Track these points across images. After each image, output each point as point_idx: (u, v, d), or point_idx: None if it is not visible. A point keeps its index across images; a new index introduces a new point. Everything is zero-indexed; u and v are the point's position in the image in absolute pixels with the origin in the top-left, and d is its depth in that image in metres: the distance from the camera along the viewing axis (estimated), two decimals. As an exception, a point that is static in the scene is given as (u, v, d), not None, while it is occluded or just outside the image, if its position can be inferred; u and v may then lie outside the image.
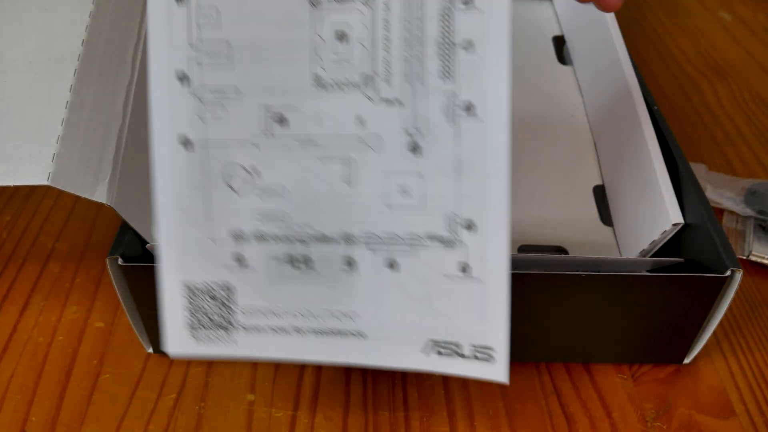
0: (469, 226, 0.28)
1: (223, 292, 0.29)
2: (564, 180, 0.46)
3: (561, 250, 0.41)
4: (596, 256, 0.37)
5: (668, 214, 0.36)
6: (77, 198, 0.34)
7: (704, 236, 0.35)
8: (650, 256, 0.38)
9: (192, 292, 0.29)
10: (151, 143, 0.28)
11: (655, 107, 0.43)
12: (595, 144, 0.48)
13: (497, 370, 0.28)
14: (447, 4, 0.27)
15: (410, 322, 0.29)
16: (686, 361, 0.39)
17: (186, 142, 0.28)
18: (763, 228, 0.47)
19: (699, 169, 0.51)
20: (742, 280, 0.33)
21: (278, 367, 0.38)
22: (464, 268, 0.28)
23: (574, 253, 0.41)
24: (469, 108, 0.27)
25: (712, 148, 0.55)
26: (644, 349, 0.38)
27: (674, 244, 0.37)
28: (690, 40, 0.69)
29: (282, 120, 0.28)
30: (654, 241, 0.37)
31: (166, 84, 0.28)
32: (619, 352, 0.39)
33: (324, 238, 0.29)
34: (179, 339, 0.30)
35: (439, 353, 0.29)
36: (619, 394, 0.38)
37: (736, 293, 0.34)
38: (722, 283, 0.34)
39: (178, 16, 0.27)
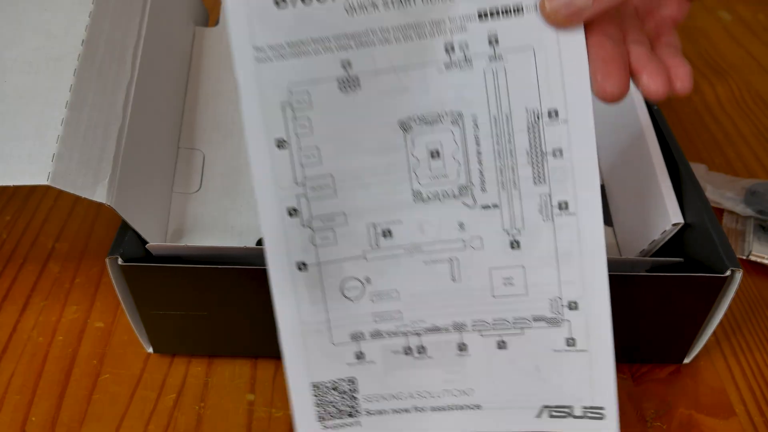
0: (572, 305, 0.30)
1: (347, 384, 0.31)
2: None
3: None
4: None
5: (668, 214, 0.36)
6: (77, 198, 0.34)
7: (704, 236, 0.35)
8: (650, 256, 0.38)
9: (319, 389, 0.31)
10: (268, 270, 0.30)
11: (655, 107, 0.43)
12: (595, 144, 0.48)
13: (608, 426, 0.31)
14: (533, 119, 0.29)
15: (523, 392, 0.31)
16: (686, 361, 0.39)
17: (302, 266, 0.30)
18: (763, 228, 0.47)
19: (699, 169, 0.51)
20: (742, 280, 0.33)
21: (278, 367, 0.38)
22: (570, 342, 0.30)
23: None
24: (563, 206, 0.29)
25: (712, 148, 0.55)
26: (644, 349, 0.38)
27: (674, 244, 0.37)
28: (690, 40, 0.69)
29: (387, 233, 0.30)
30: (654, 241, 0.37)
31: (279, 219, 0.30)
32: (619, 352, 0.38)
33: (436, 329, 0.31)
34: (312, 431, 0.32)
35: (552, 416, 0.31)
36: (619, 394, 0.37)
37: (736, 293, 0.34)
38: (722, 283, 0.34)
39: (281, 159, 0.29)
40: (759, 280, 0.44)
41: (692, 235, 0.36)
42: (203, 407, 0.37)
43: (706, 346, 0.38)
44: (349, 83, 0.29)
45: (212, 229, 0.41)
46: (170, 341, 0.38)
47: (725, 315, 0.35)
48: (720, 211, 0.49)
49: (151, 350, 0.39)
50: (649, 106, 0.43)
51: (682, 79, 0.29)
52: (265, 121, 0.29)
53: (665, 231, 0.36)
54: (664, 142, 0.40)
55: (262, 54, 0.28)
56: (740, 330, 0.41)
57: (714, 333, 0.37)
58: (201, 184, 0.42)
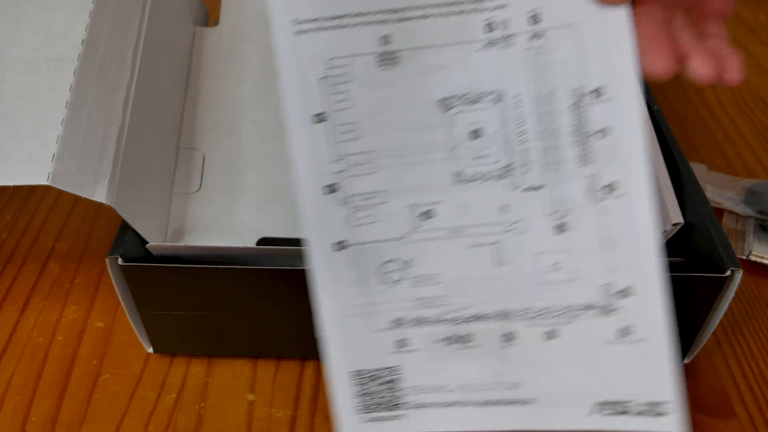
0: (624, 292, 0.29)
1: (390, 375, 0.30)
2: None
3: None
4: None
5: (668, 214, 0.36)
6: (77, 198, 0.34)
7: (704, 236, 0.35)
8: (650, 256, 0.38)
9: (361, 379, 0.30)
10: (308, 251, 0.29)
11: (655, 107, 0.43)
12: (595, 144, 0.48)
13: (670, 423, 0.29)
14: (577, 98, 0.28)
15: (575, 387, 0.30)
16: (686, 361, 0.39)
17: (341, 247, 0.29)
18: (763, 228, 0.47)
19: (699, 169, 0.51)
20: (742, 280, 0.33)
21: (278, 367, 0.38)
22: (623, 332, 0.29)
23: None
24: (611, 188, 0.28)
25: (712, 148, 0.55)
26: (644, 349, 0.38)
27: (674, 244, 0.37)
28: (690, 40, 0.69)
29: (428, 215, 0.29)
30: (654, 241, 0.37)
31: (316, 196, 0.29)
32: (619, 352, 0.39)
33: (481, 317, 0.30)
34: (351, 424, 0.31)
35: (607, 414, 0.30)
36: (619, 394, 0.38)
37: (736, 293, 0.34)
38: (722, 283, 0.34)
39: (319, 135, 0.29)
40: (759, 280, 0.44)
41: (692, 235, 0.36)
42: (203, 407, 0.37)
43: (706, 346, 0.38)
44: (387, 59, 0.28)
45: (212, 229, 0.40)
46: (170, 341, 0.38)
47: (725, 315, 0.35)
48: (720, 211, 0.49)
49: (151, 350, 0.39)
50: (650, 106, 0.43)
51: (733, 69, 0.28)
52: (302, 95, 0.28)
53: (665, 231, 0.36)
54: (664, 142, 0.40)
55: (302, 27, 0.28)
56: (740, 330, 0.41)
57: (714, 333, 0.37)
58: (201, 184, 0.42)
